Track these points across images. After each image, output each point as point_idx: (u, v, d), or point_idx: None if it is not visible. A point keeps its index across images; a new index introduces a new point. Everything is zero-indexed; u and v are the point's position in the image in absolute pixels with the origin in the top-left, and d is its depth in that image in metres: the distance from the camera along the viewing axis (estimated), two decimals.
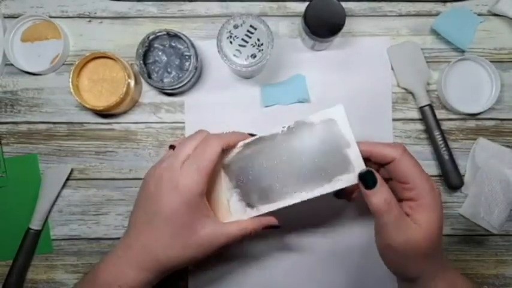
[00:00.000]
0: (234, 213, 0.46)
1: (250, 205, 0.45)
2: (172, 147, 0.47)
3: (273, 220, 0.46)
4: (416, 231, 0.41)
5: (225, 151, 0.45)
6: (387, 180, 0.43)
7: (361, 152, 0.42)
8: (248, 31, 0.50)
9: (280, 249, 0.58)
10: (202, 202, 0.43)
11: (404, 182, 0.42)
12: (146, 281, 0.43)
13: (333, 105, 0.43)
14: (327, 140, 0.43)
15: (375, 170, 0.42)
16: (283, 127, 0.44)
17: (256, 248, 0.58)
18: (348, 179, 0.42)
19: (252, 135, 0.46)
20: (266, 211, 0.45)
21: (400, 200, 0.43)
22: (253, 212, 0.45)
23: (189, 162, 0.43)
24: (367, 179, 0.41)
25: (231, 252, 0.58)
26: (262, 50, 0.50)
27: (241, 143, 0.46)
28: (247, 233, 0.44)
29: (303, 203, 0.43)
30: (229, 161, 0.46)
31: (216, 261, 0.57)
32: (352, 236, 0.58)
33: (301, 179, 0.43)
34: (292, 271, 0.58)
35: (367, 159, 0.43)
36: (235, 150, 0.46)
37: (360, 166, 0.42)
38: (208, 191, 0.45)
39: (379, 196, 0.40)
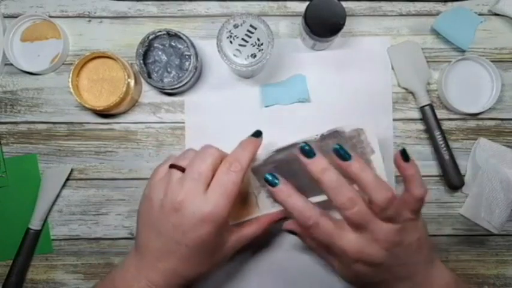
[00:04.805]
0: (262, 208, 0.50)
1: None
2: (176, 167, 0.43)
3: (280, 215, 0.50)
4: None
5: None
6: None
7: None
8: (248, 31, 0.50)
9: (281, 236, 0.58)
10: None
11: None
12: None
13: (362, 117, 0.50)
14: (355, 146, 0.47)
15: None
16: (316, 134, 0.48)
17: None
18: None
19: (256, 135, 0.47)
20: None
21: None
22: (281, 207, 0.48)
23: (214, 189, 0.41)
24: (306, 150, 0.43)
25: None
26: (262, 49, 0.50)
27: (272, 149, 0.48)
28: (260, 233, 0.48)
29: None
30: (259, 164, 0.49)
31: None
32: None
33: None
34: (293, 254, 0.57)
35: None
36: (266, 155, 0.48)
37: (381, 170, 0.47)
38: None
39: (316, 164, 0.42)
